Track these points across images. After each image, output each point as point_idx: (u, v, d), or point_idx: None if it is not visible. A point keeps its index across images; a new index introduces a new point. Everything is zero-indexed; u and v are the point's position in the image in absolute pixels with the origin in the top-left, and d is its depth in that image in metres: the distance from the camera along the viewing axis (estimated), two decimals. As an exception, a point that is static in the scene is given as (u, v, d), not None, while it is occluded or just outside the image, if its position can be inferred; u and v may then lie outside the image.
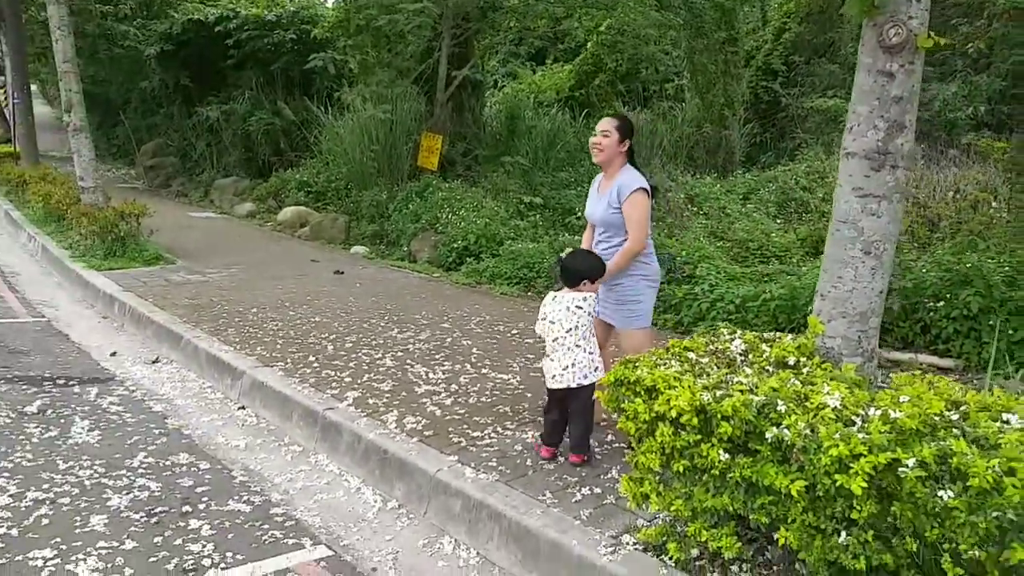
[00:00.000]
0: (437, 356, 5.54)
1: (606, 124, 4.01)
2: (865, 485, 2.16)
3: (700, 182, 11.37)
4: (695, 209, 10.34)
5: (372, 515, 3.65)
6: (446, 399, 4.58)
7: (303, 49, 15.13)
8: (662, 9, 14.72)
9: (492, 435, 4.05)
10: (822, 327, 2.91)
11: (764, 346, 3.02)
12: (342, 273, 8.80)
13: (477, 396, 4.67)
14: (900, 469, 2.15)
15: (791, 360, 2.90)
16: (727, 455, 2.53)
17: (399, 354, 5.54)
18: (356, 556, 3.30)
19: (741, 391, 2.59)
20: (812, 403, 2.46)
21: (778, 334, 3.14)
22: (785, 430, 2.39)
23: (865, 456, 2.19)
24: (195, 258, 9.48)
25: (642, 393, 2.76)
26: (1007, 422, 2.32)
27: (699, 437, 2.60)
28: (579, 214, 10.28)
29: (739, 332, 3.19)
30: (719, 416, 2.49)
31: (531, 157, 13.07)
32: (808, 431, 2.35)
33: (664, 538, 2.85)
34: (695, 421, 2.56)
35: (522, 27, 13.88)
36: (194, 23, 17.19)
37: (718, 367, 2.87)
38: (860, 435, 2.25)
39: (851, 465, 2.20)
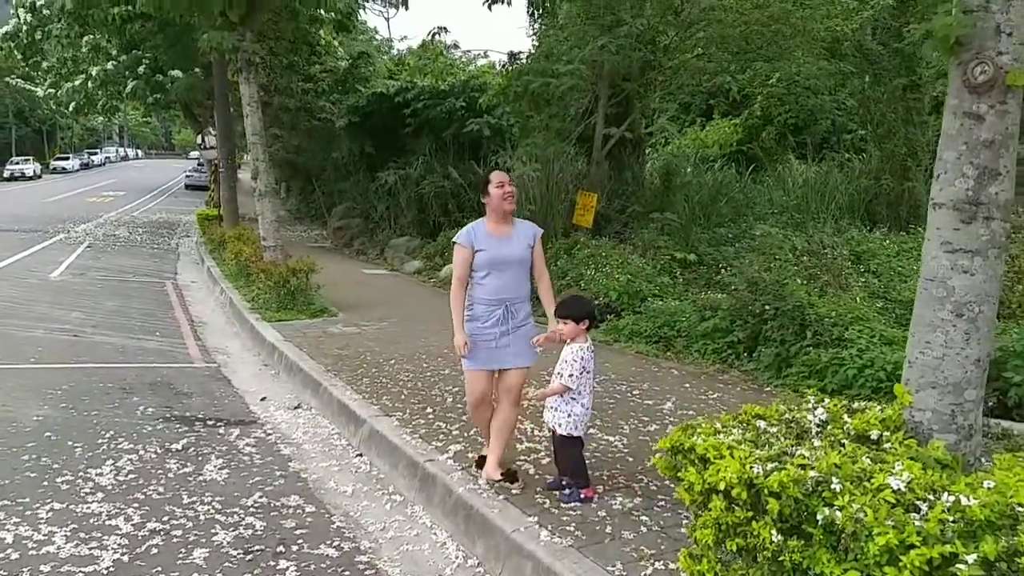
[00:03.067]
0: (550, 414, 5.49)
1: (508, 177, 4.22)
2: (914, 582, 1.88)
3: (868, 238, 10.58)
4: (861, 267, 9.64)
5: (450, 571, 3.65)
6: (543, 458, 4.52)
7: (471, 116, 15.98)
8: (833, 58, 14.10)
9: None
10: (909, 398, 2.59)
11: (847, 417, 2.73)
12: (484, 328, 9.00)
13: (576, 456, 4.57)
14: (957, 565, 1.86)
15: (873, 434, 2.60)
16: (780, 536, 2.30)
17: (512, 410, 5.55)
18: (424, 611, 3.31)
19: (802, 466, 2.36)
20: (873, 483, 2.19)
21: (869, 404, 2.84)
22: (837, 512, 2.14)
23: (917, 548, 1.91)
24: (355, 311, 10.11)
25: (696, 462, 2.59)
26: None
27: (751, 514, 2.39)
28: (732, 271, 9.92)
29: (826, 400, 2.91)
30: (766, 492, 2.28)
31: (688, 213, 12.83)
32: (861, 515, 2.09)
33: (720, 623, 2.61)
34: (744, 496, 2.36)
35: (680, 84, 13.78)
36: (377, 96, 18.75)
37: (786, 438, 2.63)
38: (917, 523, 1.97)
39: (902, 557, 1.93)
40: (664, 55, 12.89)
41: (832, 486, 2.20)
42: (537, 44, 13.94)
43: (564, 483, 4.00)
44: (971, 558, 1.85)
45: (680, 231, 12.12)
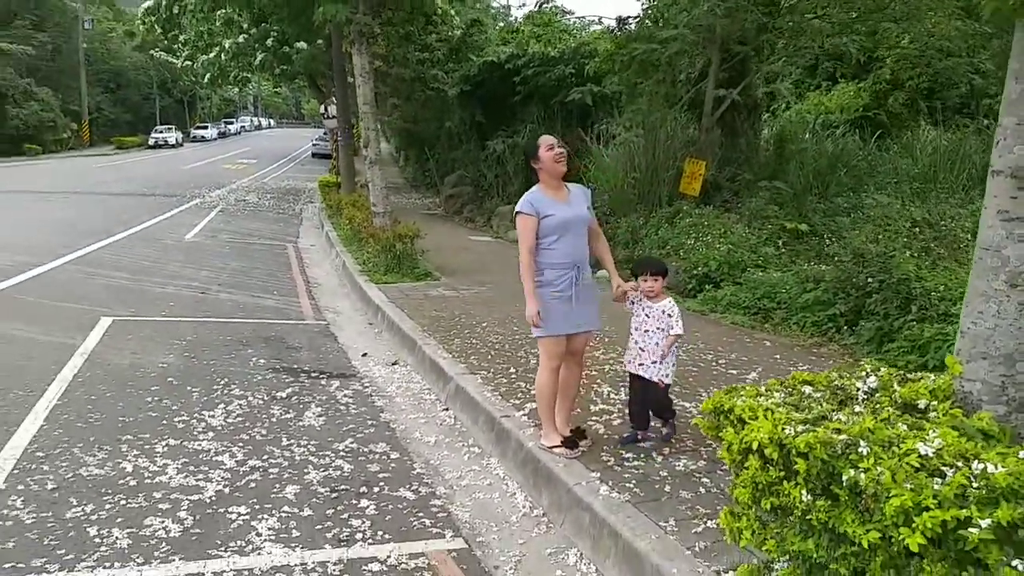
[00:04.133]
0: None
1: (556, 140, 4.19)
2: (923, 542, 1.91)
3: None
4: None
5: (516, 519, 3.87)
6: (615, 419, 4.65)
7: (580, 83, 15.92)
8: (969, 17, 13.11)
9: (642, 458, 4.05)
10: (959, 368, 2.55)
11: (897, 386, 2.72)
12: (580, 295, 9.12)
13: (648, 419, 4.66)
14: (970, 529, 1.87)
15: (921, 403, 2.58)
16: (809, 496, 2.36)
17: (592, 373, 5.69)
18: (486, 553, 3.54)
19: (837, 430, 2.39)
20: (902, 448, 2.21)
21: (924, 374, 2.80)
22: (861, 473, 2.17)
23: (931, 510, 1.94)
24: (457, 276, 10.46)
25: (735, 423, 2.66)
26: None
27: (783, 474, 2.44)
28: (843, 244, 9.55)
29: (883, 369, 2.89)
30: (794, 452, 2.34)
31: (803, 181, 12.38)
32: (882, 477, 2.12)
33: (756, 578, 2.69)
34: (776, 456, 2.42)
35: (799, 47, 13.20)
36: (488, 64, 18.97)
37: (828, 403, 2.65)
38: (936, 487, 1.99)
39: (915, 519, 1.96)
40: (783, 16, 12.39)
41: (860, 449, 2.23)
42: (646, 8, 13.71)
43: (656, 429, 4.39)
44: (985, 522, 1.86)
45: (792, 200, 11.73)
